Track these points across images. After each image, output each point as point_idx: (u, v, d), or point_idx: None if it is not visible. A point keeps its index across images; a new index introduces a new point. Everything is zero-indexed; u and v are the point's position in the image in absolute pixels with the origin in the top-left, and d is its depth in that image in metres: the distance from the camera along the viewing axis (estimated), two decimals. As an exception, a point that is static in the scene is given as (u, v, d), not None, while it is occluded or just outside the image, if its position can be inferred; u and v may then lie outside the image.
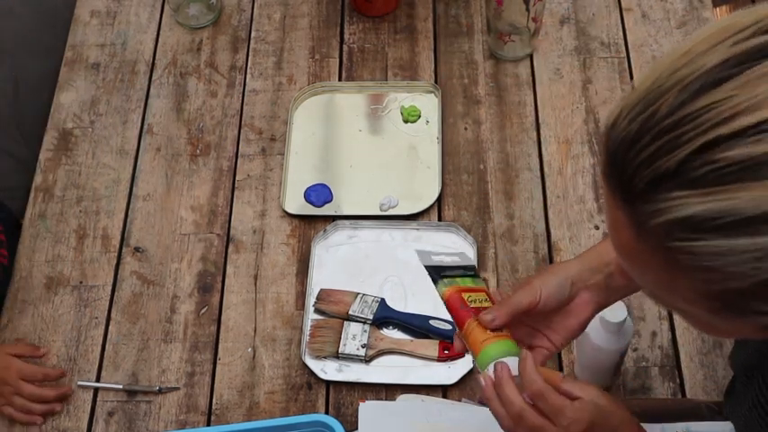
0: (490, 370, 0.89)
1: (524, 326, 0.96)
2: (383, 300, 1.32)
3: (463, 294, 0.96)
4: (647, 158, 0.57)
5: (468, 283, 0.98)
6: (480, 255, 1.37)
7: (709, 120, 0.55)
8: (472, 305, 0.95)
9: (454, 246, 1.38)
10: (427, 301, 1.32)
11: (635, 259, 0.63)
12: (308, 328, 1.31)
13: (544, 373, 0.88)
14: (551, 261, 1.37)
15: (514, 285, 0.98)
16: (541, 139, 1.50)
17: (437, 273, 0.98)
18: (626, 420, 0.87)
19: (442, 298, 0.97)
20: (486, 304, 0.95)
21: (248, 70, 1.62)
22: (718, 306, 0.61)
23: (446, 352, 1.28)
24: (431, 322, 1.30)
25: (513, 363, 0.89)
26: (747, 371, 0.87)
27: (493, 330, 0.92)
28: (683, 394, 1.25)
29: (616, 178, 0.60)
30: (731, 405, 0.93)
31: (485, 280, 1.16)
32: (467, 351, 0.95)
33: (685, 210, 0.55)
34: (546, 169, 1.47)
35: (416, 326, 1.30)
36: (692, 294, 0.61)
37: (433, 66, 1.60)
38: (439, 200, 1.44)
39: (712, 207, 0.55)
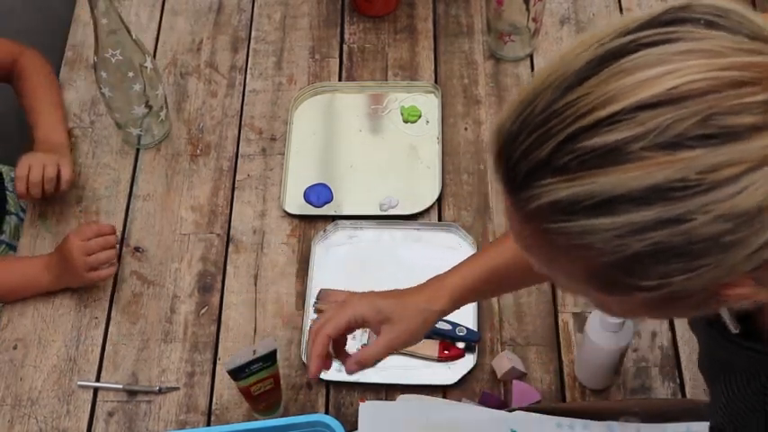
0: None
1: None
2: (383, 300, 1.32)
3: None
4: (524, 151, 0.63)
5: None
6: (480, 255, 1.37)
7: (572, 114, 0.61)
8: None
9: (454, 245, 1.38)
10: (427, 301, 1.32)
11: (524, 243, 0.69)
12: (308, 328, 1.31)
13: None
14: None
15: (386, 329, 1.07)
16: (541, 140, 1.50)
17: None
18: None
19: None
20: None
21: (248, 70, 1.62)
22: (600, 283, 0.66)
23: (446, 352, 1.28)
24: (431, 322, 1.29)
25: None
26: (711, 374, 0.90)
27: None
28: (683, 394, 1.25)
29: (502, 172, 0.66)
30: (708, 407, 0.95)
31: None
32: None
33: (554, 195, 0.61)
34: (546, 169, 1.46)
35: (416, 326, 1.30)
36: (575, 272, 0.67)
37: (433, 66, 1.60)
38: (439, 200, 1.44)
39: (576, 191, 0.60)
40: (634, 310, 0.72)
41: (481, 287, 1.09)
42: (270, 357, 1.16)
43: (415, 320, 1.06)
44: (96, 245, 1.33)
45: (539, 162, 0.62)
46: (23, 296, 1.37)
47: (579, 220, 0.61)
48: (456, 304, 1.08)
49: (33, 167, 1.38)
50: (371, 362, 1.08)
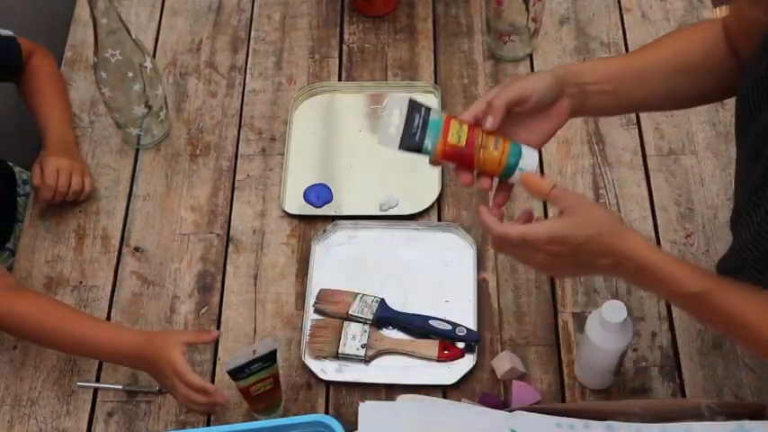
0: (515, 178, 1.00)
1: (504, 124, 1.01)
2: (383, 300, 1.32)
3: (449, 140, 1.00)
4: None
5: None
6: (480, 255, 1.37)
7: None
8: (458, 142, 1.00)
9: (454, 246, 1.38)
10: (427, 301, 1.32)
11: None
12: (308, 328, 1.31)
13: (533, 184, 0.97)
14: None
15: (505, 81, 1.01)
16: (541, 140, 1.50)
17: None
18: (613, 249, 0.94)
19: (435, 159, 1.01)
20: (463, 134, 1.00)
21: (248, 70, 1.62)
22: None
23: (446, 352, 1.28)
24: (431, 322, 1.30)
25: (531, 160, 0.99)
26: (754, 192, 0.92)
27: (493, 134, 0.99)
28: (683, 394, 1.25)
29: None
30: (739, 226, 1.00)
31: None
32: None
33: None
34: (546, 169, 1.46)
35: (416, 326, 1.30)
36: None
37: (432, 66, 1.60)
38: (439, 200, 1.44)
39: None
40: None
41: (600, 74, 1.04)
42: (270, 357, 1.16)
43: (538, 76, 1.02)
44: (184, 395, 1.18)
45: None
46: (96, 358, 1.30)
47: None
48: (564, 76, 1.02)
49: (61, 174, 1.39)
50: (498, 104, 1.00)
